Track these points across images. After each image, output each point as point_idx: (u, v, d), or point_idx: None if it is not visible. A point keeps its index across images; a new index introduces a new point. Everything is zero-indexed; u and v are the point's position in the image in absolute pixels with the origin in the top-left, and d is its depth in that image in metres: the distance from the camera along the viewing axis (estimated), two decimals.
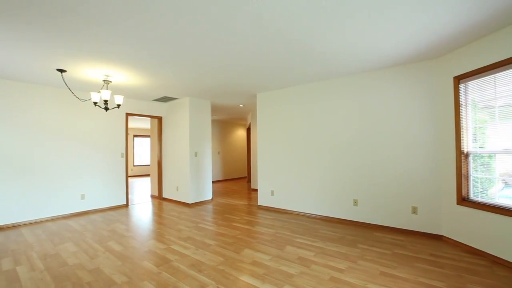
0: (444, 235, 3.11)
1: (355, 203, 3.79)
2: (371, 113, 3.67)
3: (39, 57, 2.99)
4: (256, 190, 6.98)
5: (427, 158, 3.24)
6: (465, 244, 2.84)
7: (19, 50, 2.78)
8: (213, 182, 8.95)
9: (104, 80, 3.81)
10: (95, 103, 3.74)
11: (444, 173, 3.10)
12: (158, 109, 5.98)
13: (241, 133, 10.35)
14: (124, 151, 5.32)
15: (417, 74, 3.30)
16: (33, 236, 3.49)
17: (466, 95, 2.86)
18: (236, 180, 9.60)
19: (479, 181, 2.75)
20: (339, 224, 3.82)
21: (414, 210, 3.31)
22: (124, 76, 3.79)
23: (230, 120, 9.60)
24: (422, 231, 3.27)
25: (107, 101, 3.72)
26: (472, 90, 2.79)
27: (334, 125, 4.03)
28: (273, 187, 4.81)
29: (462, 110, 2.88)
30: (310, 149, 4.30)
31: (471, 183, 2.83)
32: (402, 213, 3.42)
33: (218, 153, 9.32)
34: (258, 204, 5.06)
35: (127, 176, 5.37)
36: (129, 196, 6.54)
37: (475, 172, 2.79)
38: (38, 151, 4.22)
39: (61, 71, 3.46)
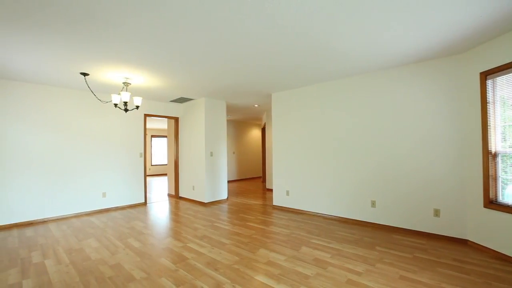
0: (470, 239, 2.96)
1: (373, 204, 3.69)
2: (390, 112, 3.56)
3: (65, 61, 3.15)
4: (271, 190, 6.97)
5: (450, 158, 3.09)
6: (493, 250, 2.68)
7: (48, 56, 2.94)
8: (228, 181, 9.03)
9: (124, 83, 3.95)
10: (115, 105, 3.89)
11: (469, 174, 2.94)
12: (175, 110, 6.12)
13: (256, 133, 10.37)
14: (142, 151, 5.49)
15: (439, 70, 3.16)
16: (59, 231, 3.68)
17: (494, 92, 2.70)
18: (251, 180, 9.63)
19: (508, 182, 2.59)
20: (356, 226, 3.73)
21: (436, 213, 3.17)
22: (142, 78, 3.91)
23: (245, 120, 9.65)
24: (445, 234, 3.12)
25: (126, 102, 3.86)
26: (501, 86, 2.63)
27: (351, 124, 3.94)
28: (288, 187, 4.78)
29: (490, 107, 2.72)
30: (326, 149, 4.23)
31: (500, 185, 2.67)
32: (423, 215, 3.28)
33: (233, 153, 9.39)
34: (273, 204, 5.05)
35: (145, 175, 5.54)
36: (147, 194, 6.74)
37: (504, 173, 2.63)
38: (64, 151, 4.45)
39: (84, 74, 3.63)
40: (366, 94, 3.78)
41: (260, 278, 2.26)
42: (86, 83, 3.74)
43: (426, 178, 3.26)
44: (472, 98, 2.89)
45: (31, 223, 4.08)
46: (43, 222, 4.17)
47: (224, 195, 5.79)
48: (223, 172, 5.80)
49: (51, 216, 4.29)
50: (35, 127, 4.16)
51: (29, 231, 3.70)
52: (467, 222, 2.99)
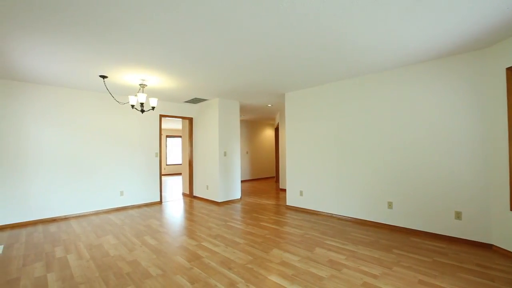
0: (495, 244, 2.81)
1: (390, 205, 3.58)
2: (407, 110, 3.44)
3: (85, 65, 3.28)
4: (285, 190, 6.93)
5: (472, 159, 2.95)
6: None
7: (69, 60, 3.08)
8: (241, 181, 9.06)
9: (140, 84, 4.06)
10: (132, 106, 4.00)
11: (494, 175, 2.80)
12: (189, 110, 6.22)
13: (269, 133, 10.35)
14: (158, 151, 5.62)
15: (462, 66, 3.02)
16: (80, 228, 3.84)
17: None
18: (264, 179, 9.63)
19: None
20: (372, 227, 3.64)
21: (458, 215, 3.04)
22: (158, 80, 4.00)
23: (258, 120, 9.66)
24: (467, 238, 2.98)
25: (143, 103, 3.96)
26: None
27: (366, 123, 3.85)
28: (301, 187, 4.74)
29: None
30: (341, 148, 4.15)
31: None
32: (443, 218, 3.15)
33: (247, 152, 9.42)
34: (287, 204, 5.02)
35: (160, 175, 5.67)
36: (162, 193, 6.89)
37: None
38: (84, 151, 4.63)
39: (103, 77, 3.76)
40: (383, 92, 3.68)
41: (274, 278, 2.26)
42: (105, 85, 3.88)
43: (447, 179, 3.13)
44: (497, 96, 2.74)
45: (54, 220, 4.28)
46: (65, 218, 4.36)
47: (237, 194, 5.82)
48: (237, 172, 5.84)
49: (72, 213, 4.48)
50: (57, 127, 4.36)
51: (52, 227, 3.88)
52: (491, 226, 2.85)
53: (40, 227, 3.88)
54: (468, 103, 2.98)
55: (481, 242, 2.90)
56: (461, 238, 3.02)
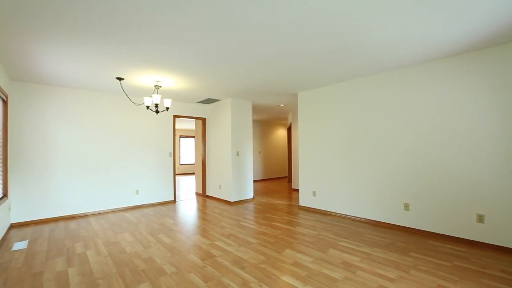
0: None
1: (406, 207, 3.48)
2: (426, 108, 3.32)
3: (102, 67, 3.39)
4: (297, 190, 6.88)
5: (496, 159, 2.81)
6: None
7: (88, 62, 3.19)
8: (254, 181, 9.08)
9: (155, 86, 4.15)
10: (147, 107, 4.10)
11: None
12: (202, 111, 6.30)
13: (281, 132, 10.31)
14: (172, 151, 5.73)
15: (485, 62, 2.88)
16: (98, 225, 3.97)
17: None
18: (277, 179, 9.59)
19: None
20: (387, 229, 3.54)
21: (480, 218, 2.90)
22: (172, 81, 4.07)
23: (270, 120, 9.64)
24: (491, 243, 2.84)
25: (157, 104, 4.05)
26: None
27: (382, 122, 3.76)
28: (315, 188, 4.69)
29: None
30: (355, 148, 4.07)
31: None
32: (464, 220, 3.02)
33: (259, 152, 9.42)
34: (299, 204, 4.98)
35: (174, 174, 5.77)
36: (176, 192, 7.01)
37: None
38: (102, 152, 4.79)
39: (120, 79, 3.88)
40: (399, 90, 3.57)
41: (287, 278, 2.25)
42: (121, 87, 3.99)
43: (468, 180, 3.00)
44: None
45: (74, 217, 4.45)
46: (84, 216, 4.53)
47: (250, 194, 5.84)
48: (249, 172, 5.85)
49: (91, 211, 4.65)
50: (76, 128, 4.53)
51: (72, 224, 4.04)
52: None
53: (61, 224, 4.06)
54: (491, 100, 2.84)
55: (505, 247, 2.75)
56: (483, 242, 2.89)
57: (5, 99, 3.60)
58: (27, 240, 3.31)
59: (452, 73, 3.11)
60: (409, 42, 2.71)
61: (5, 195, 3.56)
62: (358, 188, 4.03)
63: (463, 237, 3.02)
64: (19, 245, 3.12)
